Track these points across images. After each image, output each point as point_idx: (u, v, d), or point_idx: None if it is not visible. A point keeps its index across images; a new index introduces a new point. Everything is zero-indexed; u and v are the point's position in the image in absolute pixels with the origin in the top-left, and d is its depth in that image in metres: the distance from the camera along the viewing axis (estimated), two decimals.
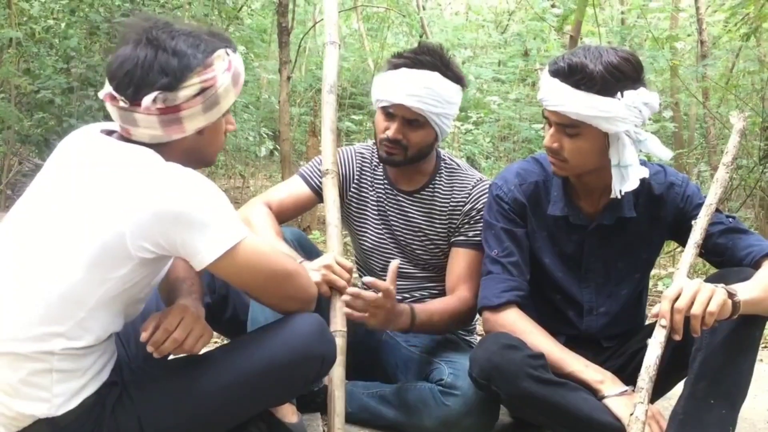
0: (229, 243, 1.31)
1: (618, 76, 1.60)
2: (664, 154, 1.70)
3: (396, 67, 1.90)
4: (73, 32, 5.15)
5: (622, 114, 1.61)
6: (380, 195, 2.06)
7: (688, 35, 7.19)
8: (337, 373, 1.67)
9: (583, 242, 1.80)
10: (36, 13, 5.39)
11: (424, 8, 7.89)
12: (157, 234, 1.27)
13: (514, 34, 7.79)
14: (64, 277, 1.27)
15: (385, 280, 1.76)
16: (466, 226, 1.97)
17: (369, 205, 2.08)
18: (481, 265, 1.86)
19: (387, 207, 2.05)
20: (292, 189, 2.04)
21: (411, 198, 2.03)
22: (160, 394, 1.41)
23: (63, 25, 5.32)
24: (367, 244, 2.09)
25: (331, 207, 1.90)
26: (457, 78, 1.92)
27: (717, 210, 1.70)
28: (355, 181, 2.08)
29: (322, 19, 7.63)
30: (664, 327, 1.44)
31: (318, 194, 2.02)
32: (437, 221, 2.01)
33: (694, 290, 1.42)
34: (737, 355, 1.54)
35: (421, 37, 8.00)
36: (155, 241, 1.27)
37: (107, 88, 1.34)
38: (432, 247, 2.03)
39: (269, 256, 1.39)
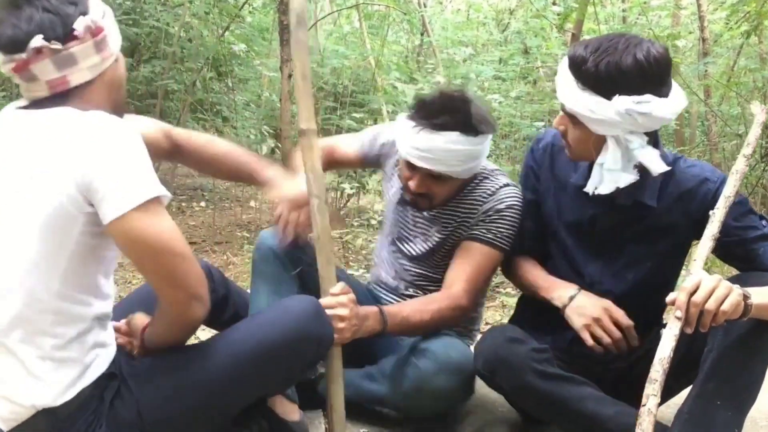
0: (138, 199, 1.27)
1: (617, 78, 1.54)
2: (655, 167, 1.62)
3: (417, 125, 1.84)
4: None
5: (610, 117, 1.56)
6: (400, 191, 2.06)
7: (690, 33, 7.18)
8: (334, 366, 1.68)
9: (596, 215, 1.78)
10: None
11: (425, 6, 7.88)
12: (82, 185, 1.26)
13: (515, 32, 7.78)
14: (25, 253, 1.28)
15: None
16: (482, 224, 1.92)
17: (392, 190, 2.11)
18: (491, 266, 1.90)
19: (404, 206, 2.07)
20: (349, 146, 2.16)
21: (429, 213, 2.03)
22: (159, 384, 1.42)
23: None
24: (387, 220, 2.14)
25: (309, 175, 1.66)
26: (478, 132, 1.83)
27: (753, 212, 1.67)
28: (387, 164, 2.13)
29: (324, 17, 7.59)
30: (678, 319, 1.42)
31: (363, 160, 2.15)
32: (447, 227, 2.00)
33: (713, 286, 1.40)
34: (750, 359, 1.52)
35: (422, 35, 7.99)
36: (83, 193, 1.27)
37: (36, 41, 1.31)
38: (432, 246, 2.02)
39: (170, 228, 1.33)
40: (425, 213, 2.03)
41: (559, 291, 1.77)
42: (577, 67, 1.58)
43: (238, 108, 6.68)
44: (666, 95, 1.58)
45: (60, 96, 1.36)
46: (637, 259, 1.78)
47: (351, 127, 6.18)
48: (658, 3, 6.37)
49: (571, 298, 1.74)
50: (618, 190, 1.67)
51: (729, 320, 1.44)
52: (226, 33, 6.34)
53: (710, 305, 1.39)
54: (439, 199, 1.94)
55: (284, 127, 4.74)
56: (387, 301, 2.08)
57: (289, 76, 4.62)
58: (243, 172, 1.84)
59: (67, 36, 1.32)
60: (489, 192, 1.95)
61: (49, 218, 1.27)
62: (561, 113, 1.69)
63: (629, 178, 1.62)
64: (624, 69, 1.53)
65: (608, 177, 1.63)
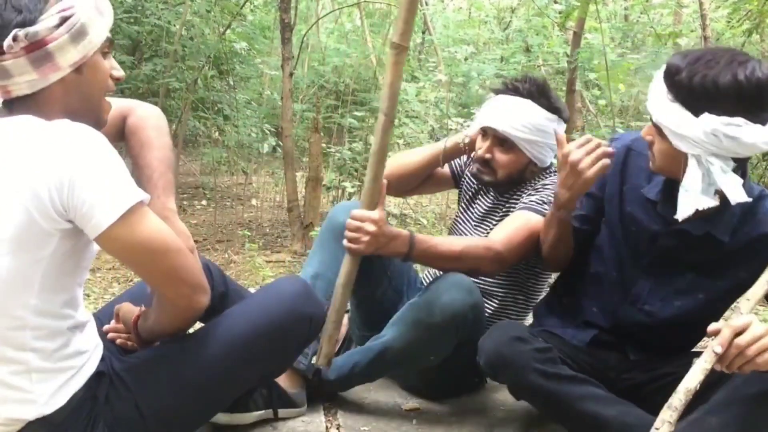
0: (124, 206, 1.24)
1: (710, 95, 1.44)
2: (735, 196, 1.48)
3: (497, 93, 2.06)
4: None
5: (695, 135, 1.46)
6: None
7: (692, 31, 7.16)
8: (348, 271, 1.84)
9: (659, 233, 1.69)
10: None
11: (426, 4, 7.87)
12: (56, 203, 1.22)
13: (516, 30, 7.78)
14: None
15: None
16: (528, 196, 2.01)
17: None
18: (530, 228, 1.88)
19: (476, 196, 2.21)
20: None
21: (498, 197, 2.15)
22: (155, 376, 1.42)
23: None
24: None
25: (385, 90, 1.76)
26: (551, 108, 2.00)
27: None
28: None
29: (325, 15, 7.59)
30: (716, 354, 1.37)
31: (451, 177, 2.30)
32: (502, 212, 2.11)
33: (760, 334, 1.35)
34: (764, 413, 1.48)
35: (423, 33, 7.99)
36: (57, 211, 1.22)
37: None
38: (489, 230, 2.09)
39: (160, 227, 1.31)
40: (488, 202, 2.14)
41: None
42: (670, 77, 1.49)
43: (240, 106, 6.67)
44: (762, 122, 1.45)
45: (17, 102, 1.30)
46: (692, 289, 1.70)
47: (352, 126, 6.19)
48: (659, 1, 6.36)
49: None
50: (690, 221, 1.57)
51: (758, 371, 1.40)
52: (228, 31, 6.34)
53: (750, 351, 1.35)
54: (502, 171, 2.03)
55: (285, 125, 4.74)
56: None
57: (291, 74, 4.62)
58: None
59: None
60: (542, 180, 2.08)
61: (20, 233, 1.22)
62: (650, 123, 1.61)
63: (709, 202, 1.49)
64: (720, 86, 1.43)
65: (684, 199, 1.51)
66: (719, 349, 1.36)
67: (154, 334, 1.49)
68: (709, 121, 1.44)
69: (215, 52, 6.13)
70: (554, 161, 2.07)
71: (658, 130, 1.56)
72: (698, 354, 1.45)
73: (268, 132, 6.75)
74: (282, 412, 1.83)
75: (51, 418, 1.31)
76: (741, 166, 1.55)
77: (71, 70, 1.31)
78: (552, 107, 2.00)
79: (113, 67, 1.40)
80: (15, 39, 1.23)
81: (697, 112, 1.46)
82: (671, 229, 1.65)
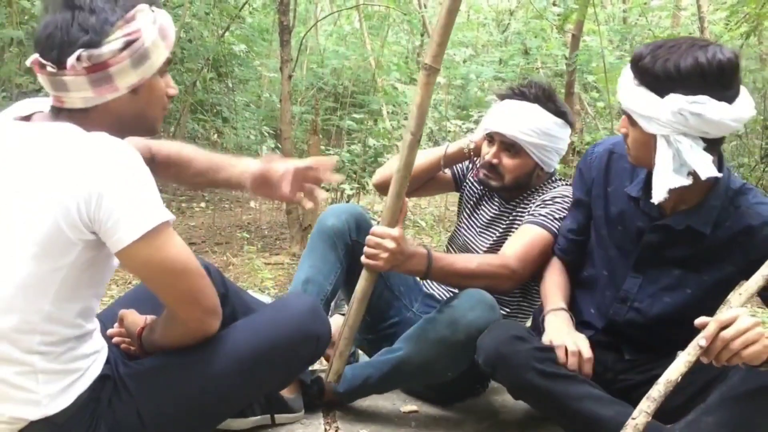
0: (149, 224, 1.25)
1: (673, 76, 1.49)
2: (704, 171, 1.51)
3: (502, 98, 2.05)
4: None
5: (662, 116, 1.51)
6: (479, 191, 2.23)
7: (690, 34, 7.17)
8: (364, 288, 1.83)
9: (644, 229, 1.72)
10: (37, 12, 5.37)
11: (425, 7, 7.88)
12: (83, 214, 1.23)
13: (515, 33, 7.79)
14: (15, 273, 1.25)
15: None
16: (538, 208, 2.02)
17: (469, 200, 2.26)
18: (543, 245, 1.93)
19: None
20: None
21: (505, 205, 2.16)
22: (159, 385, 1.42)
23: None
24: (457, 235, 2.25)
25: (413, 109, 1.76)
26: (558, 112, 2.01)
27: None
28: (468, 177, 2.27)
29: (324, 18, 7.58)
30: (701, 347, 1.38)
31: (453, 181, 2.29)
32: (508, 218, 2.13)
33: (745, 327, 1.36)
34: (758, 410, 1.48)
35: (422, 35, 7.99)
36: (84, 222, 1.24)
37: (34, 56, 1.30)
38: (496, 238, 2.12)
39: (182, 249, 1.33)
40: (493, 209, 2.14)
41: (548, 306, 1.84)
42: (635, 63, 1.55)
43: (238, 108, 6.68)
44: (728, 100, 1.50)
45: (65, 110, 1.33)
46: (679, 284, 1.73)
47: (351, 128, 6.19)
48: (658, 4, 6.37)
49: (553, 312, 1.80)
50: (671, 215, 1.65)
51: (748, 365, 1.41)
52: (226, 34, 6.34)
53: (735, 344, 1.36)
54: (509, 176, 2.04)
55: (284, 127, 4.74)
56: (441, 293, 2.18)
57: (290, 77, 4.62)
58: (219, 164, 1.76)
59: (62, 63, 1.27)
60: (547, 191, 2.09)
61: (45, 239, 1.23)
62: (624, 116, 1.65)
63: (681, 180, 1.53)
64: (682, 69, 1.48)
65: (657, 180, 1.55)
66: (704, 342, 1.38)
67: (156, 347, 1.49)
68: (675, 100, 1.49)
69: (214, 54, 6.14)
70: (558, 167, 2.10)
71: (629, 118, 1.61)
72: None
73: (266, 134, 6.75)
74: (279, 418, 1.84)
75: (54, 419, 1.31)
76: (715, 150, 1.57)
77: (128, 91, 1.34)
78: (559, 111, 2.01)
79: (168, 84, 1.43)
80: (79, 59, 1.26)
81: (662, 94, 1.50)
82: (655, 224, 1.69)
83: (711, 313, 1.74)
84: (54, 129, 1.29)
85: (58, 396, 1.31)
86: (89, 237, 1.26)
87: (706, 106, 1.48)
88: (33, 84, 4.98)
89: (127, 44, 1.30)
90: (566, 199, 2.00)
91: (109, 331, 1.58)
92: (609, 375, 1.79)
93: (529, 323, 2.14)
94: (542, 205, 2.02)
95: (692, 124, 1.49)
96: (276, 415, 1.83)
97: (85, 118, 1.32)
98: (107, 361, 1.40)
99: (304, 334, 1.51)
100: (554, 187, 2.09)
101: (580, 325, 1.82)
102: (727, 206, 1.65)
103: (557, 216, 1.97)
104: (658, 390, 1.40)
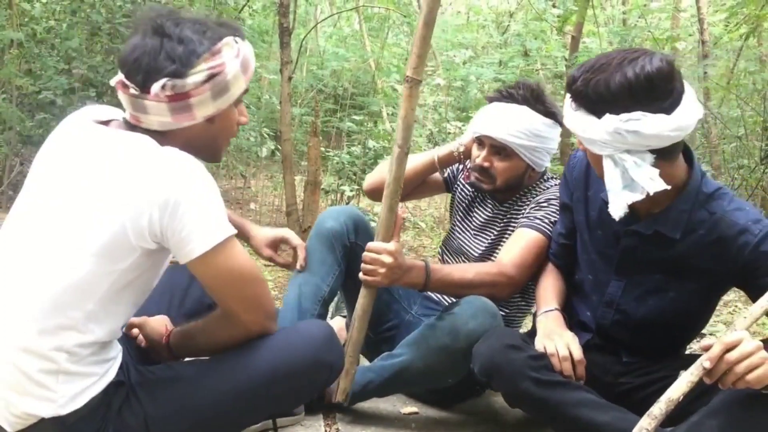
0: (220, 236, 1.30)
1: (606, 97, 1.49)
2: (650, 187, 1.51)
3: (490, 101, 2.04)
4: (74, 33, 5.14)
5: (601, 137, 1.51)
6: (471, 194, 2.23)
7: (690, 35, 7.18)
8: (364, 304, 1.80)
9: (620, 233, 1.72)
10: (37, 14, 5.38)
11: None
12: (154, 222, 1.26)
13: (515, 34, 7.79)
14: (72, 270, 1.27)
15: None
16: (533, 211, 2.02)
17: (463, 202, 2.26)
18: (538, 249, 1.93)
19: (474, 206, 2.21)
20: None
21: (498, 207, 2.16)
22: (168, 396, 1.42)
23: (64, 25, 5.30)
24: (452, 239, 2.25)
25: (400, 123, 1.73)
26: (547, 113, 2.00)
27: None
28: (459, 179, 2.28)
29: (324, 20, 7.59)
30: (705, 368, 1.38)
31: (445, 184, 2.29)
32: (503, 221, 2.13)
33: (749, 351, 1.36)
34: (762, 414, 1.46)
35: None
36: (152, 230, 1.27)
37: (119, 76, 1.35)
38: (491, 241, 2.12)
39: (248, 258, 1.38)
40: (487, 212, 2.14)
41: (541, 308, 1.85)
42: (569, 87, 1.56)
43: None
44: (665, 111, 1.48)
45: (139, 128, 1.37)
46: (661, 288, 1.72)
47: (351, 130, 6.19)
48: (657, 5, 6.38)
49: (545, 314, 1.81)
50: (640, 221, 1.65)
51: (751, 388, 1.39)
52: None
53: (739, 369, 1.36)
54: (501, 178, 2.03)
55: (284, 129, 4.74)
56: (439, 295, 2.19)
57: (290, 78, 4.62)
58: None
59: (146, 87, 1.32)
60: (539, 191, 2.09)
61: (109, 243, 1.27)
62: None
63: (634, 196, 1.52)
64: (612, 88, 1.48)
65: (611, 198, 1.55)
66: (708, 364, 1.38)
67: (197, 351, 1.51)
68: (610, 120, 1.49)
69: None
70: (548, 166, 2.09)
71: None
72: (690, 356, 1.45)
73: (266, 136, 6.75)
74: (281, 421, 1.83)
75: (65, 419, 1.32)
76: (671, 157, 1.56)
77: (204, 120, 1.37)
78: (548, 112, 2.01)
79: (241, 113, 1.48)
80: (163, 87, 1.30)
81: (599, 115, 1.51)
82: (627, 229, 1.69)
83: (702, 315, 1.78)
84: (132, 137, 1.33)
85: (73, 397, 1.32)
86: (150, 246, 1.29)
87: (640, 122, 1.46)
88: (33, 86, 4.99)
89: (211, 77, 1.34)
90: (557, 201, 2.00)
91: (132, 331, 1.59)
92: (609, 378, 1.79)
93: (529, 323, 2.14)
94: (537, 208, 2.02)
95: (631, 141, 1.48)
96: (278, 419, 1.82)
97: (157, 135, 1.35)
98: (120, 366, 1.41)
99: (319, 362, 1.50)
100: (547, 187, 2.09)
101: (578, 326, 1.82)
102: (698, 209, 1.63)
103: (552, 219, 1.98)
104: (659, 408, 1.40)
